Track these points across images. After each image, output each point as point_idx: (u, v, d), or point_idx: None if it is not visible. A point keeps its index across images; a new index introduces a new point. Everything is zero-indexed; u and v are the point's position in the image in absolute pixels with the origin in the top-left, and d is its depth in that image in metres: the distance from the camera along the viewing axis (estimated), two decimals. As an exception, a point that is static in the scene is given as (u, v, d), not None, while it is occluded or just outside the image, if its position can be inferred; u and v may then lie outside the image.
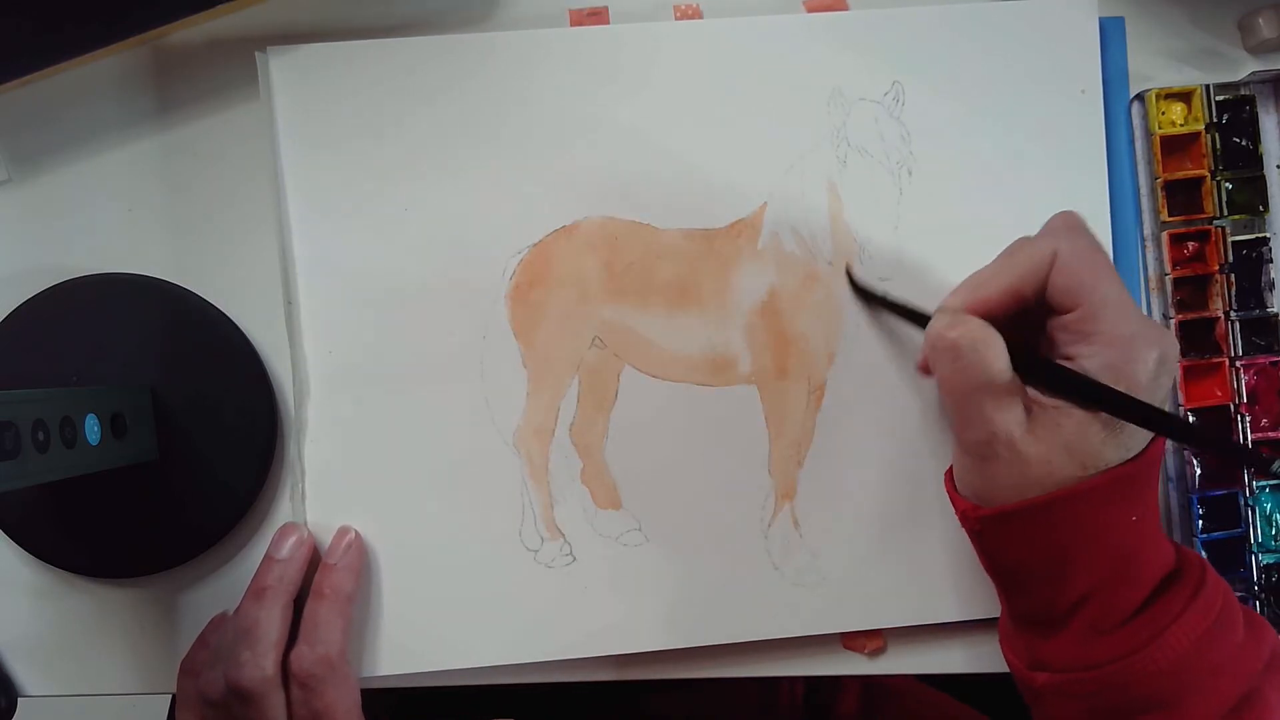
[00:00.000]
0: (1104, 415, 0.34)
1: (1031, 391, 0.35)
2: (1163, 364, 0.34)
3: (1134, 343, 0.34)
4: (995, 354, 0.35)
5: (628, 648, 0.44)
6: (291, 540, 0.42)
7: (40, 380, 0.44)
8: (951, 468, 0.39)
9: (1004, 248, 0.38)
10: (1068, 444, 0.34)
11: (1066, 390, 0.34)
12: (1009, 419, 0.35)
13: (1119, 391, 0.33)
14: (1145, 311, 0.46)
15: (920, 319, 0.41)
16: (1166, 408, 0.35)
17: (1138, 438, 0.35)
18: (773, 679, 0.61)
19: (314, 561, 0.43)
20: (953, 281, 0.44)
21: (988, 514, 0.36)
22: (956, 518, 0.39)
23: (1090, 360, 0.34)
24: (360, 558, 0.43)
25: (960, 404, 0.36)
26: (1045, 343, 0.37)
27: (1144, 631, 0.35)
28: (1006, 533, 0.36)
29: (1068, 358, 0.35)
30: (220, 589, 0.46)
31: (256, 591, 0.41)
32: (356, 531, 0.43)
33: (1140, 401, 0.33)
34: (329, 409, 0.44)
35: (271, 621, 0.40)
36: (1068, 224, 0.36)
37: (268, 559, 0.42)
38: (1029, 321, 0.37)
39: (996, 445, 0.35)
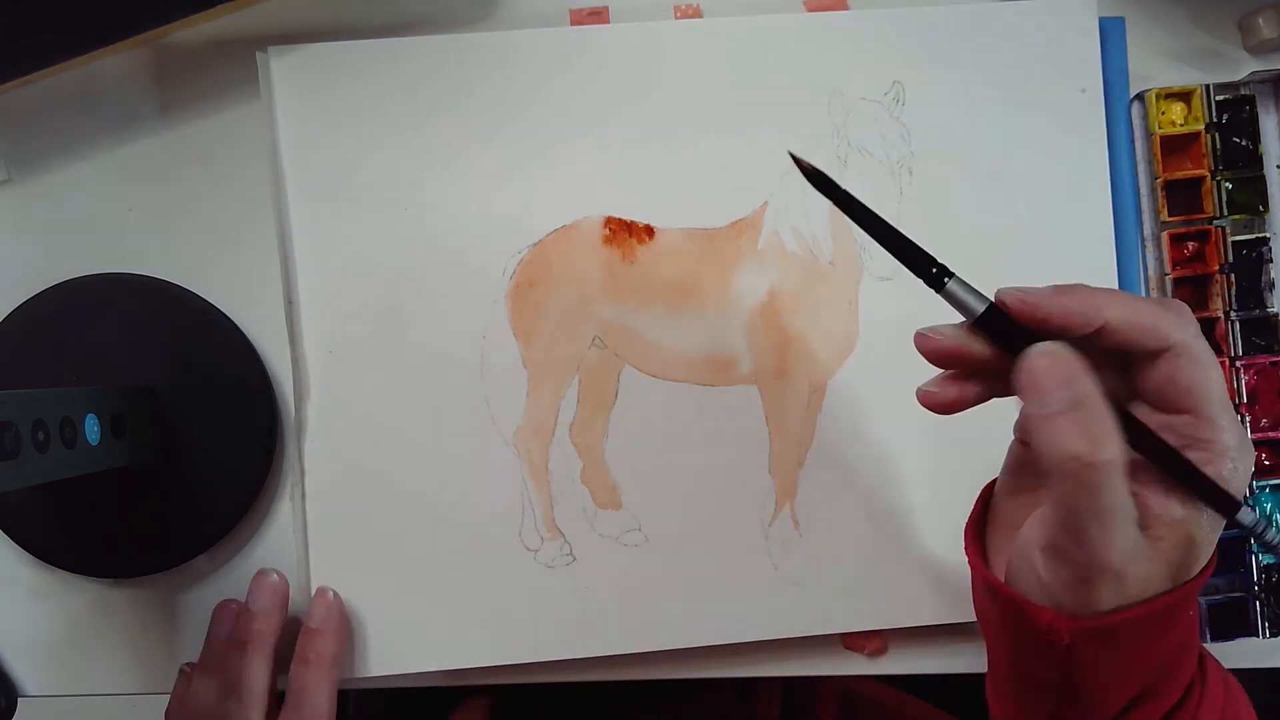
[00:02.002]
0: (1205, 529, 0.31)
1: (1153, 493, 0.31)
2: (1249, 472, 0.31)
3: (1240, 454, 0.31)
4: (1120, 488, 0.29)
5: (628, 648, 0.44)
6: (266, 590, 0.43)
7: (40, 380, 0.44)
8: (974, 529, 0.36)
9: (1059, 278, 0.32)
10: (1170, 558, 0.31)
11: (1190, 490, 0.31)
12: (1128, 548, 0.30)
13: (1238, 500, 0.31)
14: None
15: (915, 259, 0.33)
16: None
17: (1210, 545, 0.32)
18: (751, 689, 0.61)
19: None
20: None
21: (1098, 625, 0.31)
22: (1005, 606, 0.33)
23: (1204, 468, 0.31)
24: (343, 619, 0.43)
25: (1071, 519, 0.30)
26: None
27: None
28: (1118, 641, 0.31)
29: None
30: (220, 589, 0.46)
31: (240, 645, 0.42)
32: (335, 592, 0.44)
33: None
34: (329, 409, 0.44)
35: (257, 675, 0.42)
36: (1187, 314, 0.31)
37: (247, 613, 0.43)
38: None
39: (1107, 569, 0.30)
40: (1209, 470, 0.30)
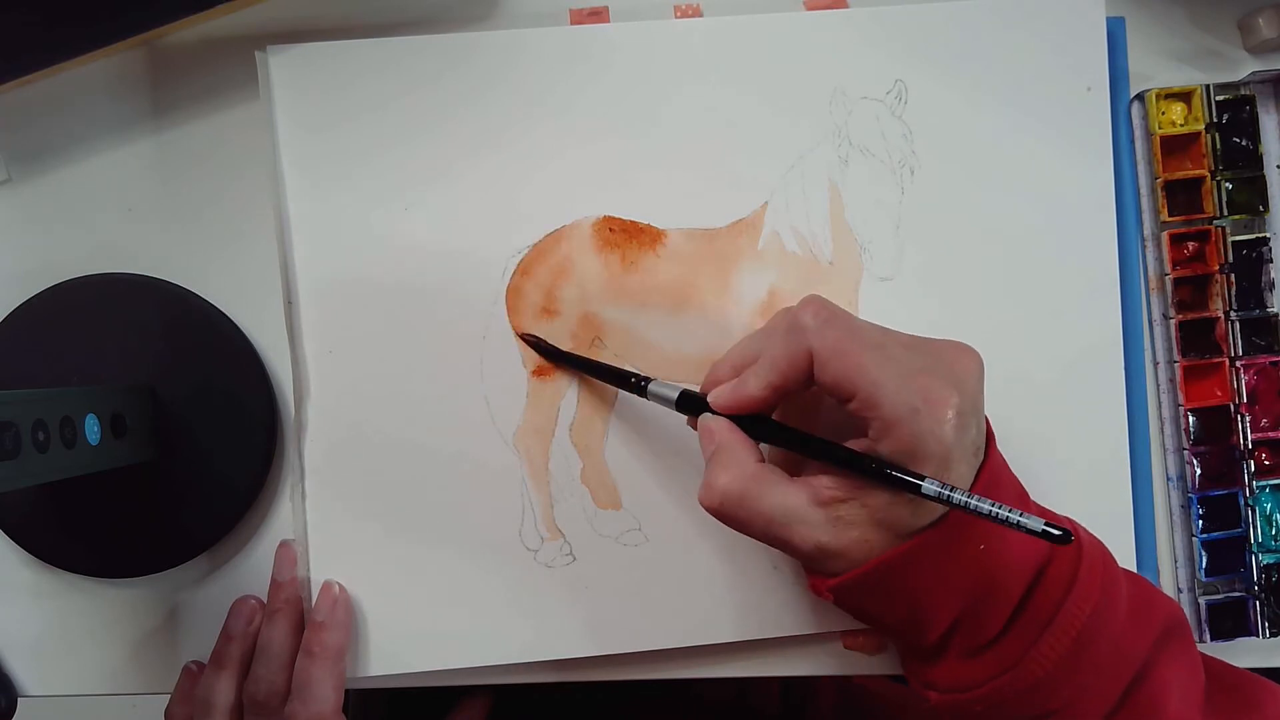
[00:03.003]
0: (873, 498, 0.34)
1: (828, 481, 0.35)
2: (958, 416, 0.33)
3: (919, 415, 0.33)
4: (765, 500, 0.35)
5: (628, 647, 0.44)
6: (289, 562, 0.44)
7: (40, 380, 0.44)
8: None
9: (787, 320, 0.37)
10: (877, 522, 0.34)
11: (859, 470, 0.34)
12: (812, 535, 0.35)
13: (897, 470, 0.33)
14: (1145, 312, 0.46)
15: (620, 378, 0.42)
16: (979, 452, 0.35)
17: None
18: (749, 683, 0.61)
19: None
20: (955, 283, 0.45)
21: (834, 584, 0.36)
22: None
23: (883, 444, 0.33)
24: (349, 613, 0.43)
25: (761, 540, 0.36)
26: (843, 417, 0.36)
27: (1014, 648, 0.35)
28: (857, 596, 0.36)
29: (864, 438, 0.35)
30: (220, 589, 0.46)
31: (269, 614, 0.43)
32: (341, 585, 0.44)
33: (906, 478, 0.33)
34: (329, 409, 0.44)
35: (284, 641, 0.43)
36: (818, 315, 0.35)
37: (275, 583, 0.44)
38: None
39: (815, 555, 0.35)
40: (885, 445, 0.33)
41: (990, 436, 0.37)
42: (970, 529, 0.35)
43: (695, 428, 0.39)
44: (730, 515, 0.36)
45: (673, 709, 0.62)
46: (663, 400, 0.40)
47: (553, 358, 0.44)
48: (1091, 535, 0.38)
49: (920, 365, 0.34)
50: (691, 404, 0.39)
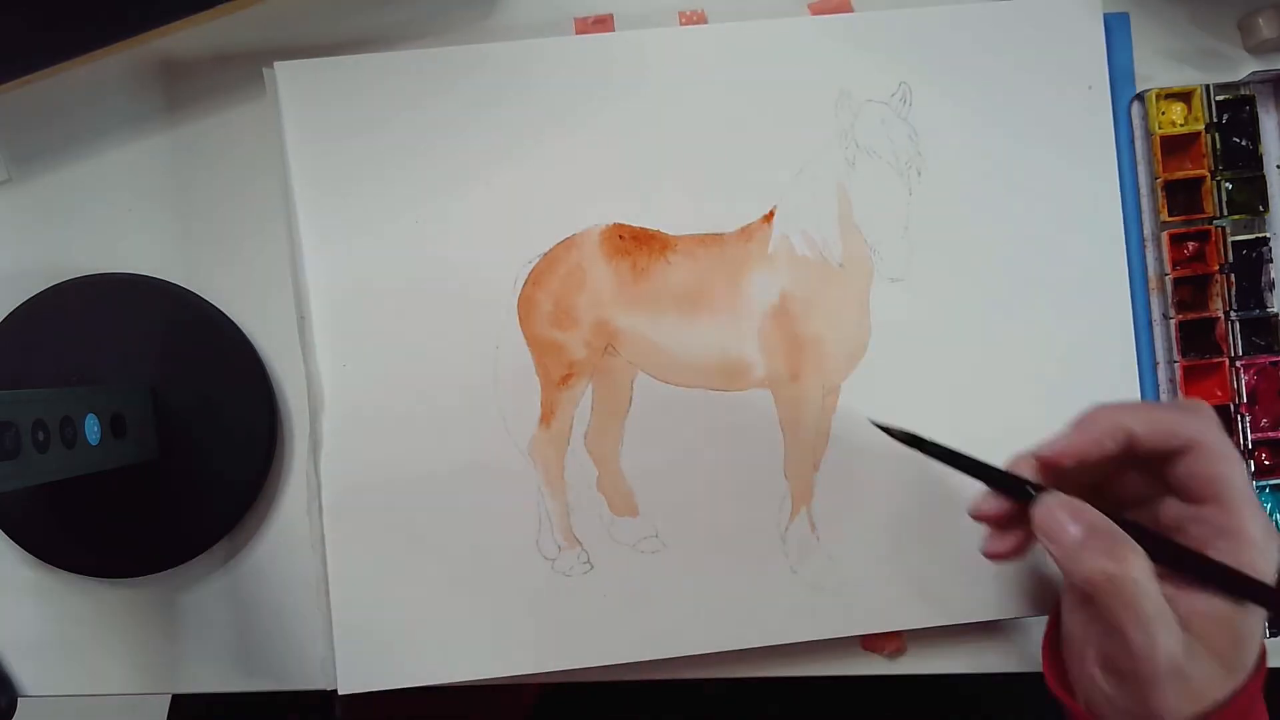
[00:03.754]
0: (1249, 620, 0.32)
1: (1187, 598, 0.33)
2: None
3: (1266, 543, 0.32)
4: (1154, 594, 0.32)
5: (647, 655, 0.44)
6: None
7: (40, 380, 0.44)
8: (1050, 650, 0.38)
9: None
10: (1223, 654, 0.32)
11: (1222, 587, 0.33)
12: (1172, 644, 0.32)
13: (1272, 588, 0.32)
14: (1146, 312, 0.46)
15: (974, 467, 0.38)
16: None
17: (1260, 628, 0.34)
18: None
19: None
20: (964, 283, 0.45)
21: None
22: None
23: (1226, 558, 0.33)
24: None
25: (1117, 629, 0.33)
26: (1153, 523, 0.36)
27: None
28: None
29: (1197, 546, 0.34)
30: (220, 589, 0.46)
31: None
32: None
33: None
34: (344, 422, 0.44)
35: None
36: (1205, 412, 0.34)
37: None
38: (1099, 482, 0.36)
39: (1159, 674, 0.32)
40: (1236, 560, 0.32)
41: None
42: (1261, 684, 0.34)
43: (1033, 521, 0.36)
44: (1118, 592, 0.32)
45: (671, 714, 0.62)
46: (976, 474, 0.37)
47: (931, 452, 0.39)
48: None
49: (1260, 508, 0.34)
50: (1009, 481, 0.36)
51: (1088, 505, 0.34)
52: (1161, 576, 0.33)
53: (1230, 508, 0.33)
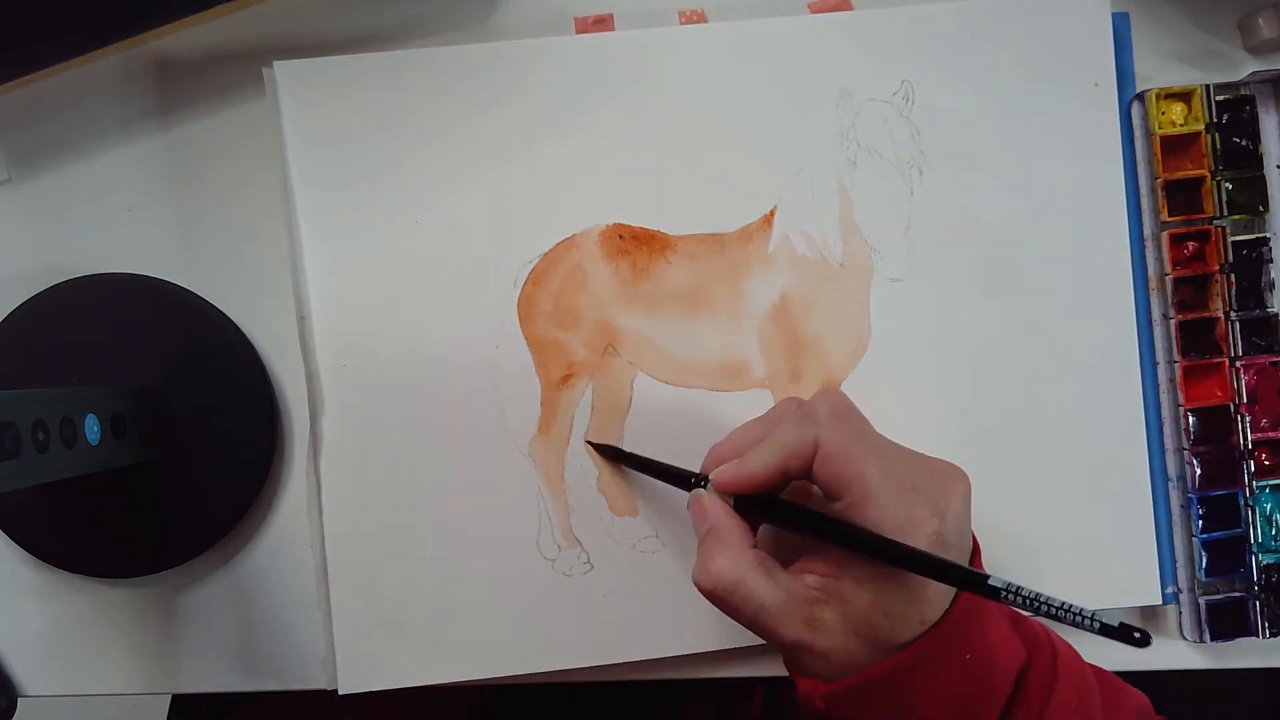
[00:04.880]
0: (885, 598, 0.34)
1: (813, 578, 0.35)
2: (937, 536, 0.34)
3: (902, 532, 0.33)
4: (757, 588, 0.35)
5: (648, 654, 0.44)
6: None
7: (40, 380, 0.44)
8: None
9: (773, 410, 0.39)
10: (855, 632, 0.34)
11: (849, 543, 0.34)
12: (794, 629, 0.35)
13: (895, 542, 0.33)
14: (1145, 312, 0.46)
15: (675, 477, 0.41)
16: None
17: (934, 606, 0.34)
18: (730, 706, 0.61)
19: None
20: (966, 282, 0.45)
21: (826, 692, 0.35)
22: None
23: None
24: None
25: (747, 627, 0.36)
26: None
27: None
28: (849, 706, 0.36)
29: None
30: (220, 589, 0.46)
31: None
32: None
33: (913, 551, 0.33)
34: (344, 423, 0.44)
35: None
36: (833, 410, 0.36)
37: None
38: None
39: (797, 652, 0.35)
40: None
41: (977, 553, 0.37)
42: (959, 639, 0.34)
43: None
44: (722, 599, 0.36)
45: None
46: (664, 477, 0.41)
47: (610, 456, 0.44)
48: (1057, 635, 0.38)
49: (912, 483, 0.35)
50: (687, 480, 0.39)
51: (718, 505, 0.37)
52: (813, 569, 0.35)
53: (854, 502, 0.34)
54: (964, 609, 0.35)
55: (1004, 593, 0.31)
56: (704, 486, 0.39)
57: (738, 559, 0.35)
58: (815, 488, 0.36)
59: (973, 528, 0.37)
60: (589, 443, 0.44)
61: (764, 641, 0.36)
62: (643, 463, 0.43)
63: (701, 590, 0.36)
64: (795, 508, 0.37)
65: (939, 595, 0.34)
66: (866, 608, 0.34)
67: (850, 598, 0.34)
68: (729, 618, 0.36)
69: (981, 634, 0.35)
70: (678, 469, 0.41)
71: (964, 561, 0.36)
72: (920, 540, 0.33)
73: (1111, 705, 0.37)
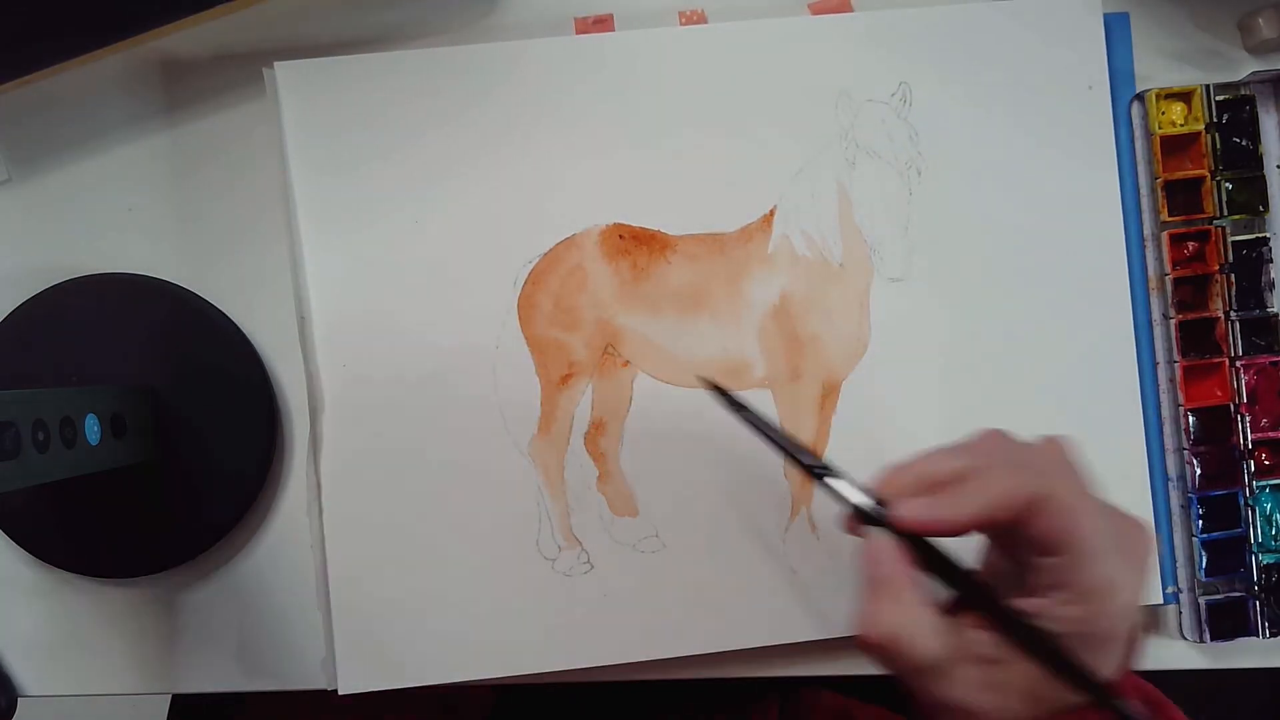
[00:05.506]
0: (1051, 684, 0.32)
1: (986, 637, 0.33)
2: (1135, 600, 0.33)
3: (1117, 593, 0.32)
4: (921, 643, 0.32)
5: (648, 655, 0.44)
6: None
7: (40, 380, 0.44)
8: None
9: (976, 438, 0.35)
10: (1030, 693, 0.33)
11: (1019, 642, 0.33)
12: (961, 693, 0.33)
13: (1068, 660, 0.32)
14: (1145, 312, 0.46)
15: (802, 461, 0.37)
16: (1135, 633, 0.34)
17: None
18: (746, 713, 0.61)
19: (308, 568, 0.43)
20: (965, 282, 0.45)
21: None
22: None
23: (1063, 609, 0.32)
24: None
25: (900, 678, 0.34)
26: (1008, 564, 0.35)
27: None
28: None
29: (1034, 596, 0.33)
30: (220, 589, 0.46)
31: None
32: None
33: (1085, 674, 0.32)
34: (344, 423, 0.44)
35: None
36: (1058, 461, 0.34)
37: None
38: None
39: (953, 713, 0.33)
40: (1070, 610, 0.32)
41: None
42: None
43: (852, 531, 0.35)
44: (886, 655, 0.33)
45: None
46: (838, 498, 0.35)
47: (739, 411, 0.39)
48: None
49: (1119, 539, 0.33)
50: (869, 516, 0.35)
51: (893, 552, 0.33)
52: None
53: (1075, 561, 0.32)
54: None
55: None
56: (823, 477, 0.35)
57: (910, 615, 0.32)
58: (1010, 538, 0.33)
59: None
60: (708, 381, 0.39)
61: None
62: (767, 430, 0.38)
63: (865, 644, 0.33)
64: (978, 584, 0.34)
65: (1111, 661, 0.33)
66: (1038, 674, 0.32)
67: (1029, 666, 0.32)
68: (884, 668, 0.33)
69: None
70: (810, 453, 0.38)
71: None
72: (1125, 598, 0.32)
73: None
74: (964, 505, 0.32)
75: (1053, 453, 0.34)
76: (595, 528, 0.44)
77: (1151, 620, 0.47)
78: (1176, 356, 0.45)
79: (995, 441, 0.35)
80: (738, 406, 0.38)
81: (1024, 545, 0.33)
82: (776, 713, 0.61)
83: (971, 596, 0.34)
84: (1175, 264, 0.45)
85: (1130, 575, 0.33)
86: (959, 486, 0.33)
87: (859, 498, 0.34)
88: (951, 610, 0.34)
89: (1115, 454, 0.45)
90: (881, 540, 0.34)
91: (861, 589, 0.33)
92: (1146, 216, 0.46)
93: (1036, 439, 0.35)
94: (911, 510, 0.33)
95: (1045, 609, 0.32)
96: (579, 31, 0.46)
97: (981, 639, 0.33)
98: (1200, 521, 0.45)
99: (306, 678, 0.46)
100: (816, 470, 0.36)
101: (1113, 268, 0.46)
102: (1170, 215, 0.45)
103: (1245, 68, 0.47)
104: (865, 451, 0.45)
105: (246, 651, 0.46)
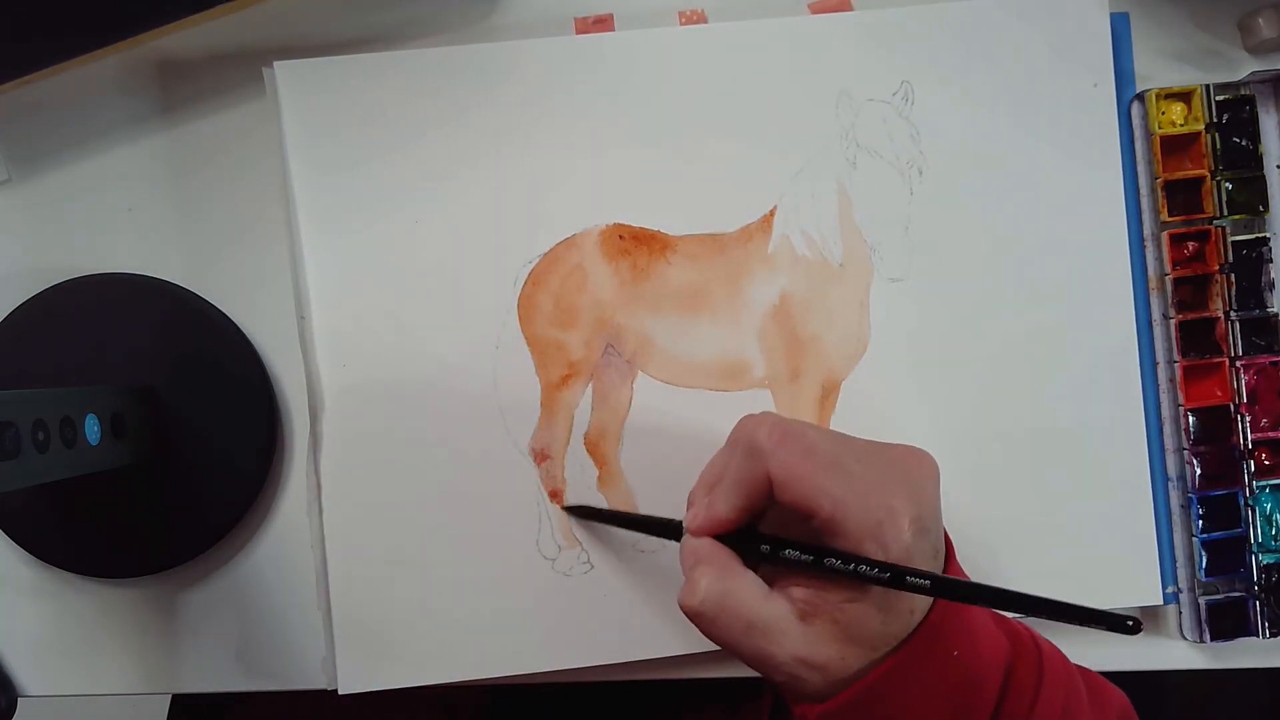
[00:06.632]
0: (873, 595, 0.33)
1: (802, 592, 0.34)
2: (917, 524, 0.33)
3: (882, 528, 0.33)
4: (748, 601, 0.34)
5: (648, 654, 0.44)
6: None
7: (40, 380, 0.44)
8: None
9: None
10: (850, 636, 0.34)
11: (826, 569, 0.33)
12: (791, 647, 0.34)
13: (870, 560, 0.33)
14: (1145, 312, 0.46)
15: (655, 527, 0.41)
16: (940, 561, 0.34)
17: (918, 602, 0.34)
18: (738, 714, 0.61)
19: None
20: (966, 282, 0.45)
21: (822, 711, 0.35)
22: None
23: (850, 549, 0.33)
24: None
25: (738, 653, 0.35)
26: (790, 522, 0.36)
27: None
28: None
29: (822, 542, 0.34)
30: (220, 589, 0.46)
31: None
32: None
33: (887, 564, 0.32)
34: (344, 423, 0.44)
35: None
36: (772, 434, 0.34)
37: None
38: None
39: (793, 668, 0.34)
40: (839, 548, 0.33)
41: (949, 544, 0.36)
42: (944, 636, 0.34)
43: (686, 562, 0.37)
44: (710, 617, 0.35)
45: None
46: (656, 532, 0.41)
47: (584, 517, 0.44)
48: (1040, 634, 0.38)
49: (877, 477, 0.34)
50: (671, 531, 0.39)
51: (706, 543, 0.36)
52: (799, 583, 0.34)
53: (827, 516, 0.33)
54: (946, 603, 0.34)
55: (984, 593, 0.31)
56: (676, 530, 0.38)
57: (725, 573, 0.35)
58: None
59: (973, 528, 0.37)
60: (565, 508, 0.44)
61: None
62: (620, 518, 0.43)
63: (688, 610, 0.35)
64: (772, 538, 0.36)
65: (914, 597, 0.34)
66: (857, 611, 0.33)
67: (840, 604, 0.34)
68: (714, 641, 0.35)
69: (967, 629, 0.34)
70: (657, 519, 0.41)
71: (940, 548, 0.35)
72: (902, 530, 0.33)
73: (1097, 703, 0.37)
74: (725, 503, 0.35)
75: (764, 429, 0.35)
76: (595, 528, 0.44)
77: (1152, 620, 0.47)
78: (1176, 356, 0.45)
79: (739, 431, 0.36)
80: (590, 515, 0.43)
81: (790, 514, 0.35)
82: (769, 709, 0.61)
83: (810, 555, 0.34)
84: (1175, 264, 0.45)
85: (902, 503, 0.33)
86: (719, 486, 0.36)
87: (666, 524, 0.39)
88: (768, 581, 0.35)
89: (1115, 454, 0.45)
90: (687, 541, 0.37)
91: (685, 575, 0.36)
92: (1146, 216, 0.46)
93: (750, 421, 0.36)
94: (694, 521, 0.36)
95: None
96: (579, 31, 0.46)
97: (798, 594, 0.34)
98: (1200, 521, 0.45)
99: (306, 678, 0.46)
100: (671, 533, 0.39)
101: (1115, 267, 0.46)
102: (1170, 215, 0.45)
103: (1245, 68, 0.47)
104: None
105: (246, 651, 0.46)
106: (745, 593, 0.34)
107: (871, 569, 0.32)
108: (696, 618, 0.35)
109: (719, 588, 0.34)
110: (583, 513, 0.44)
